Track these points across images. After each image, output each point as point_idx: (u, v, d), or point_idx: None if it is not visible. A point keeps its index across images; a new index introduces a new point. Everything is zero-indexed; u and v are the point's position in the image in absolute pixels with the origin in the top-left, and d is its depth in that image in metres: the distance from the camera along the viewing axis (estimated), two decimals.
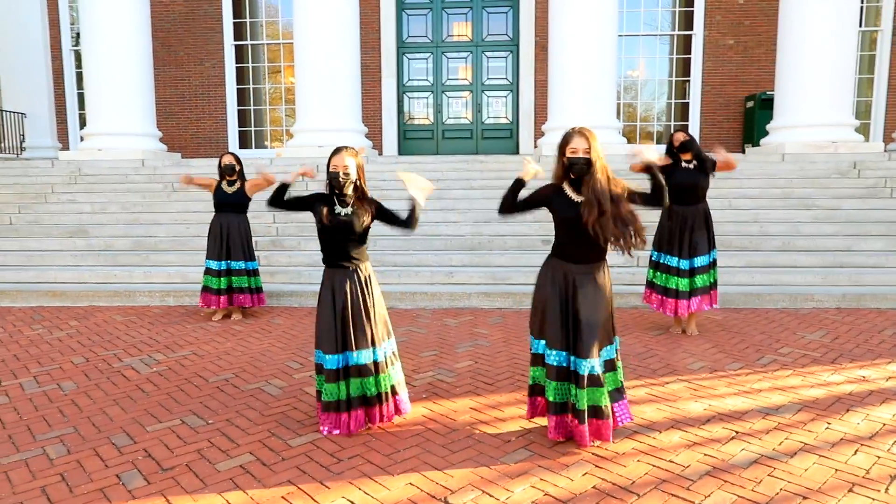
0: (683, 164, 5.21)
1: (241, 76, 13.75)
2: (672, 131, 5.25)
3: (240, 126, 13.83)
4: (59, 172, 9.69)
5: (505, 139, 13.54)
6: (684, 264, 5.19)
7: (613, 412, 3.27)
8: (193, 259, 7.38)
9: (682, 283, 5.20)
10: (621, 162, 9.32)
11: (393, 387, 3.48)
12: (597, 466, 3.03)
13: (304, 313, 6.25)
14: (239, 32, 13.59)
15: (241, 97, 13.78)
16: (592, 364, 3.10)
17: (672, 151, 5.28)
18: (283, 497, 2.79)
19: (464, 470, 3.01)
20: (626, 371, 4.42)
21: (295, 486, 2.88)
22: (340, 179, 3.34)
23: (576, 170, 3.12)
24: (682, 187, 5.15)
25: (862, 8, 12.44)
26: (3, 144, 12.64)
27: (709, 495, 2.77)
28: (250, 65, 13.75)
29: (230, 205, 6.00)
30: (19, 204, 8.71)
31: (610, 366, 3.28)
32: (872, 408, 3.74)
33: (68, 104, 13.61)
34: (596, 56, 9.96)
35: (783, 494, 2.77)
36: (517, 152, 13.11)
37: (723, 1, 12.92)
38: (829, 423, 3.51)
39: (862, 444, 3.25)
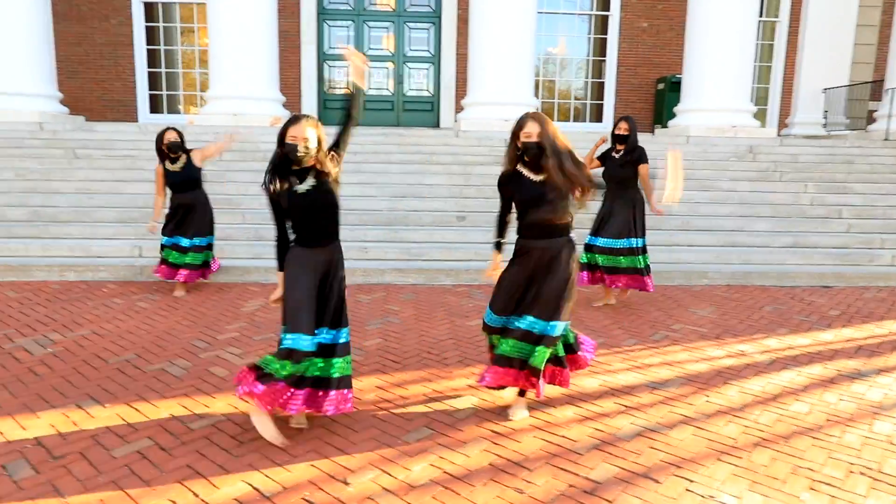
0: (614, 154, 5.57)
1: (151, 36, 13.03)
2: (617, 119, 5.63)
3: (151, 90, 13.15)
4: None
5: (426, 112, 13.52)
6: (602, 242, 5.58)
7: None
8: (97, 231, 7.06)
9: (602, 259, 5.58)
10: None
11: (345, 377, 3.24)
12: (493, 443, 3.18)
13: (214, 289, 6.12)
14: None
15: (153, 58, 13.08)
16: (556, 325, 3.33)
17: (613, 136, 5.60)
18: (180, 482, 2.79)
19: (365, 450, 3.10)
20: None
21: (193, 470, 2.88)
22: (299, 153, 2.97)
23: (530, 153, 3.27)
24: (609, 178, 5.47)
25: None
26: None
27: (594, 468, 2.97)
28: (161, 24, 13.05)
29: (183, 183, 5.74)
30: None
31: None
32: (745, 380, 4.08)
33: None
34: (515, 33, 10.06)
35: (659, 464, 3.02)
36: (438, 125, 13.14)
37: None
38: (707, 396, 3.82)
39: (733, 415, 3.56)
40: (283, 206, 3.07)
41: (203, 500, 2.65)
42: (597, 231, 5.64)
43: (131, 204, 7.51)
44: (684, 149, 9.82)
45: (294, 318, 3.08)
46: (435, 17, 13.22)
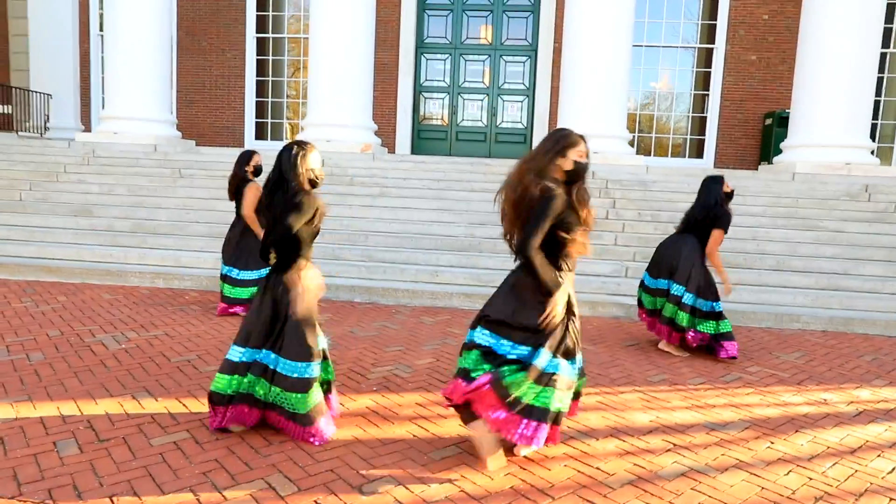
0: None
1: (261, 68, 13.97)
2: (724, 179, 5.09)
3: (257, 118, 14.05)
4: (73, 153, 9.95)
5: (518, 144, 13.52)
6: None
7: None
8: (188, 244, 7.54)
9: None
10: (625, 172, 9.28)
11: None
12: (521, 468, 3.03)
13: None
14: (262, 25, 13.82)
15: (261, 89, 14.00)
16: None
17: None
18: (204, 473, 2.85)
19: (388, 463, 3.04)
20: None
21: (220, 464, 2.94)
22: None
23: (582, 174, 2.99)
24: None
25: (891, 29, 12.19)
26: (28, 124, 13.03)
27: None
28: (271, 58, 13.96)
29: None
30: (31, 181, 8.97)
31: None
32: (822, 430, 3.67)
33: (93, 87, 13.96)
34: (608, 65, 9.89)
35: None
36: None
37: (747, 16, 12.74)
38: (772, 442, 3.46)
39: (798, 465, 3.20)
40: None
41: (222, 494, 2.70)
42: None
43: (222, 220, 7.94)
44: (788, 186, 9.19)
45: None
46: (531, 51, 13.30)
